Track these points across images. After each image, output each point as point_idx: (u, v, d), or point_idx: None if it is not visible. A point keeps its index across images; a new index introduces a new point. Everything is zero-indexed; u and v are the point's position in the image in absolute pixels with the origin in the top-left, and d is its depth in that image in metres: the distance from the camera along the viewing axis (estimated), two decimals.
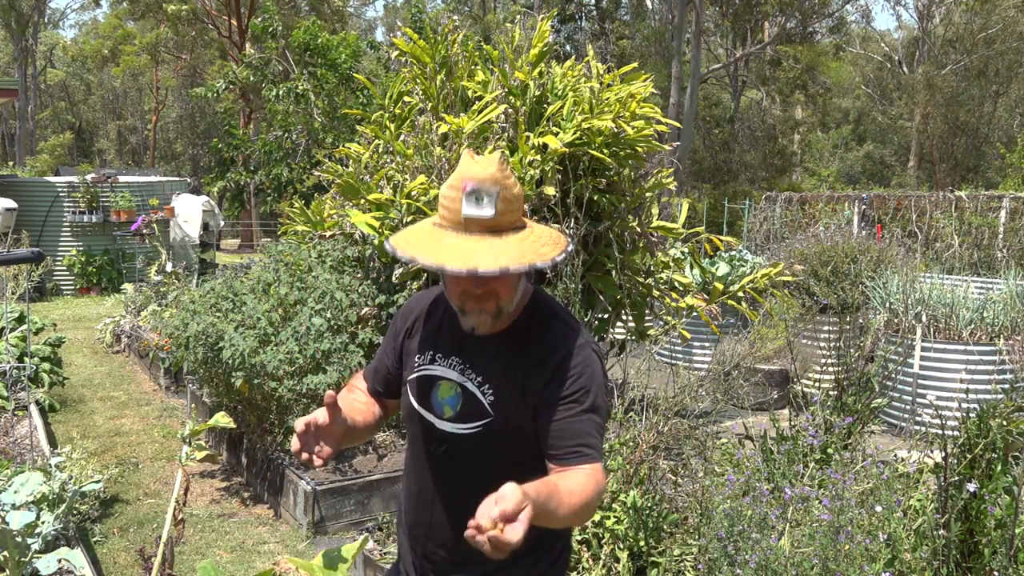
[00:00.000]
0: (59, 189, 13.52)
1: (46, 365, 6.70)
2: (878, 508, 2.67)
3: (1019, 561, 2.59)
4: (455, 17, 5.31)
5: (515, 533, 1.19)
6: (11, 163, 28.12)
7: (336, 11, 29.30)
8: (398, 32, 5.32)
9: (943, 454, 2.74)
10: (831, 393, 3.94)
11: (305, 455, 1.53)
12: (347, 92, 16.68)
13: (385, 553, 3.67)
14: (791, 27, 26.09)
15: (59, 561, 3.24)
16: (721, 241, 5.79)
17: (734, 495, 2.93)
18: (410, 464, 1.82)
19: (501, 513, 1.19)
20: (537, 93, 4.96)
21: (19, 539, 3.17)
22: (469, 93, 5.17)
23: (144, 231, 12.07)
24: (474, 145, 4.84)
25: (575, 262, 4.09)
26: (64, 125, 40.72)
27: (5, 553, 3.12)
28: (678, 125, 11.58)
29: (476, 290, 1.57)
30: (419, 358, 1.75)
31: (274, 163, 16.86)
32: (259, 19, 18.00)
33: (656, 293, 5.40)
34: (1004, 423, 2.74)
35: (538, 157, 4.66)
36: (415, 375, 1.75)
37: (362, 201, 5.11)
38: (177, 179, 16.52)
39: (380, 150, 5.29)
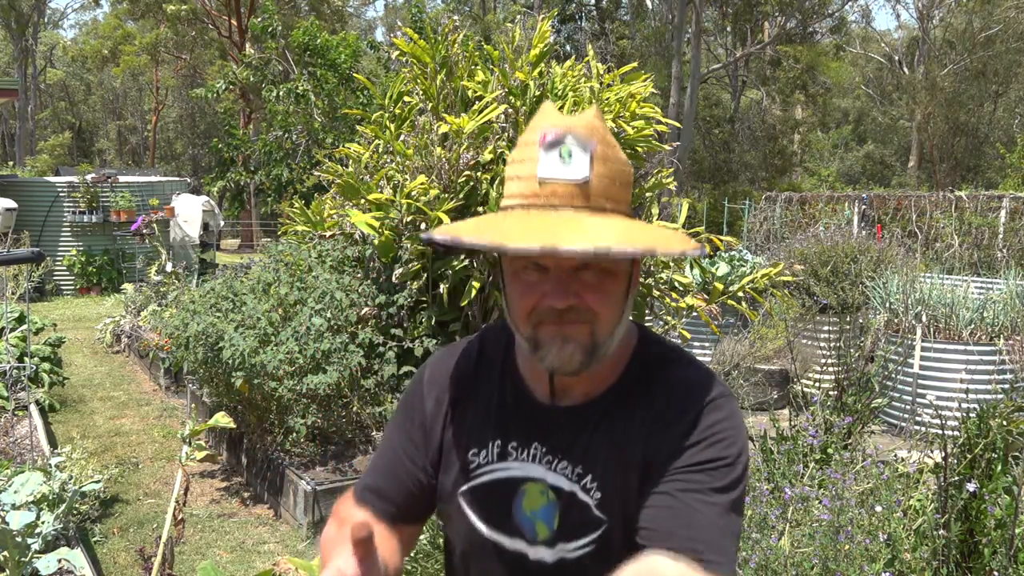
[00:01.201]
0: (59, 189, 13.52)
1: (46, 365, 6.70)
2: (878, 508, 2.67)
3: (1019, 561, 2.59)
4: (455, 17, 5.31)
5: None
6: (11, 163, 28.12)
7: (336, 11, 29.31)
8: (398, 32, 5.32)
9: (943, 454, 2.74)
10: (831, 393, 3.95)
11: None
12: (347, 92, 16.69)
13: None
14: (791, 27, 26.09)
15: (59, 561, 3.24)
16: (721, 241, 5.79)
17: None
18: None
19: None
20: (537, 93, 4.96)
21: (19, 539, 3.18)
22: (469, 93, 5.18)
23: (144, 231, 12.07)
24: (474, 145, 4.84)
25: None
26: (64, 125, 40.73)
27: (5, 553, 3.12)
28: (678, 125, 11.60)
29: (559, 302, 1.01)
30: (476, 454, 1.15)
31: (274, 163, 16.87)
32: (259, 19, 18.01)
33: (656, 293, 5.40)
34: (1004, 423, 2.74)
35: None
36: (476, 482, 1.15)
37: (362, 201, 5.11)
38: (177, 179, 16.52)
39: (380, 150, 5.29)
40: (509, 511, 1.13)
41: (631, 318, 1.15)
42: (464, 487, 1.16)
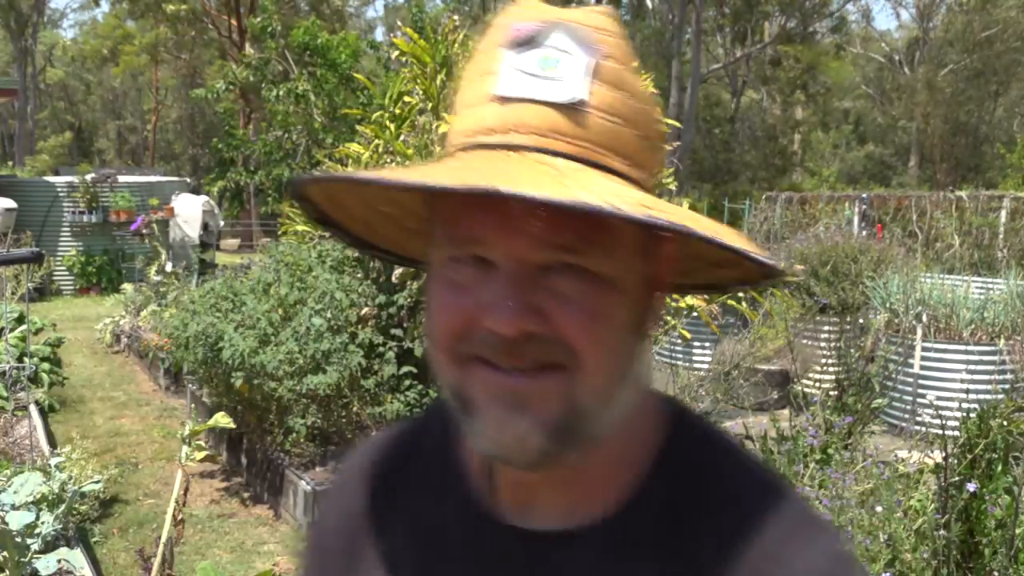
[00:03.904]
0: (59, 189, 13.52)
1: (46, 365, 6.70)
2: (878, 508, 2.67)
3: (1019, 561, 2.59)
4: (455, 17, 5.31)
5: None
6: (11, 163, 28.13)
7: (336, 11, 29.33)
8: (398, 32, 5.32)
9: (943, 454, 2.74)
10: (831, 393, 3.95)
11: None
12: (347, 92, 16.69)
13: None
14: (791, 27, 26.12)
15: (59, 561, 3.24)
16: None
17: None
18: None
19: None
20: None
21: (19, 539, 3.17)
22: None
23: (144, 231, 12.07)
24: None
25: None
26: (64, 125, 40.73)
27: (5, 553, 3.12)
28: (678, 125, 11.59)
29: (505, 322, 0.54)
30: None
31: (274, 163, 16.86)
32: (258, 19, 18.02)
33: None
34: (1004, 423, 2.74)
35: None
36: None
37: None
38: (177, 179, 16.54)
39: (380, 150, 5.28)
40: None
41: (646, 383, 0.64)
42: None
